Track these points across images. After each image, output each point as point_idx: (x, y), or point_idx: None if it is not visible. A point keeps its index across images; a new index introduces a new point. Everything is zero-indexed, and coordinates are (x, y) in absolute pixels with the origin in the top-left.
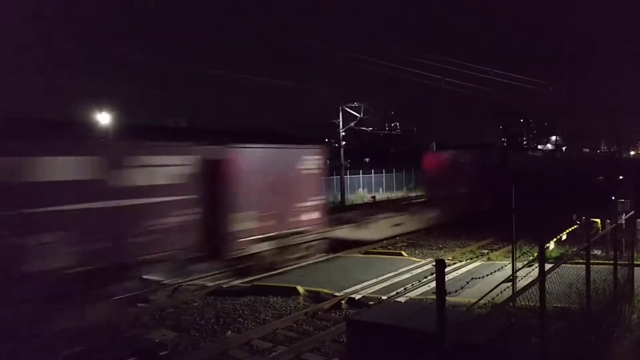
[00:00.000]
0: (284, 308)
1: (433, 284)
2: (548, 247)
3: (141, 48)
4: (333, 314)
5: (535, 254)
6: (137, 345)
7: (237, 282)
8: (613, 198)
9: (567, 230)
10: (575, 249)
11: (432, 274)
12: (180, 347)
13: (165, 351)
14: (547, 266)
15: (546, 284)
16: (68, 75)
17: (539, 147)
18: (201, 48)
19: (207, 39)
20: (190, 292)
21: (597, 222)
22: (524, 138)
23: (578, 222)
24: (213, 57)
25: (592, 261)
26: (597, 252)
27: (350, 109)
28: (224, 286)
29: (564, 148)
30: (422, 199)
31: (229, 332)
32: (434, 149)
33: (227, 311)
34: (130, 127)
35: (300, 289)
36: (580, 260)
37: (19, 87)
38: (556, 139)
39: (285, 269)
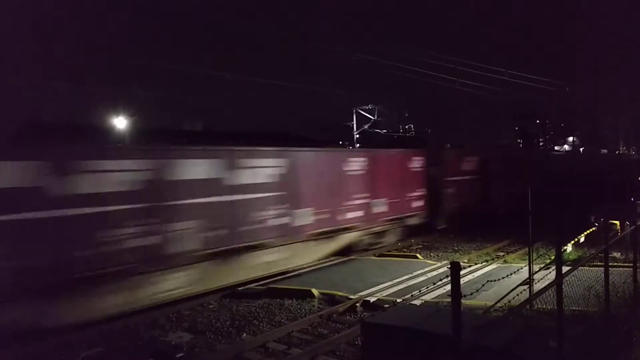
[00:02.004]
0: (298, 311)
1: (448, 287)
2: (565, 250)
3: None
4: (348, 317)
5: (553, 257)
6: (154, 347)
7: (252, 284)
8: (633, 199)
9: (585, 232)
10: (593, 252)
11: (447, 276)
12: (196, 349)
13: (181, 353)
14: (565, 269)
15: (564, 286)
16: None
17: (556, 147)
18: (207, 49)
19: (211, 39)
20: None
21: (616, 224)
22: (541, 139)
23: (596, 224)
24: (222, 58)
25: (610, 264)
26: (616, 254)
27: (364, 111)
28: (239, 289)
29: (581, 149)
30: None
31: (245, 334)
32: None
33: (243, 314)
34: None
35: (315, 291)
36: (599, 263)
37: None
38: (574, 140)
39: (300, 271)
